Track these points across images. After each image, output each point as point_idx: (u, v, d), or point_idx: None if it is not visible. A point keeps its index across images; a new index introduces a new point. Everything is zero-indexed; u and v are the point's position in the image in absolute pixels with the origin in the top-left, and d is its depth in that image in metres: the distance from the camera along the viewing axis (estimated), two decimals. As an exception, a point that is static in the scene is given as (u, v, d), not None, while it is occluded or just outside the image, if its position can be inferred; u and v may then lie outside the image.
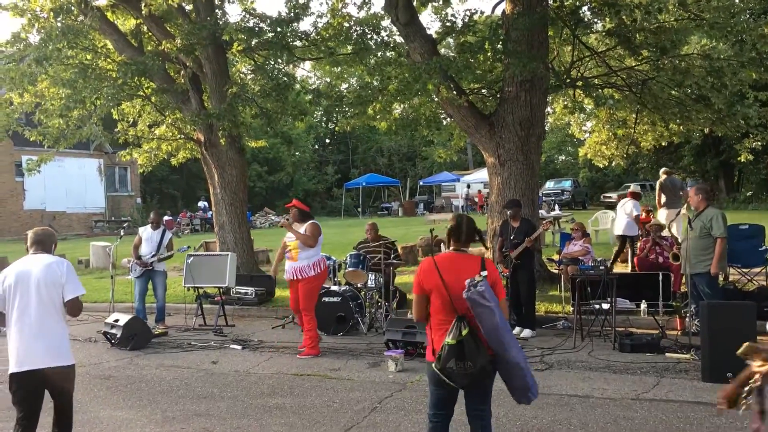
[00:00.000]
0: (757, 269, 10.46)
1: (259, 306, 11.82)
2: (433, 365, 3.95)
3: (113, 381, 7.47)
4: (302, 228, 8.40)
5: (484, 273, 3.91)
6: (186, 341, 9.43)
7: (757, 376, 2.54)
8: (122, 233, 12.78)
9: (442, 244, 3.99)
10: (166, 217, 14.46)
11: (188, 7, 13.63)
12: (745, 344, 2.58)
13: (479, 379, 3.90)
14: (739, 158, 13.87)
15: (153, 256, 10.27)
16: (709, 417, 5.55)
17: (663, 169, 13.42)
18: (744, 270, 10.31)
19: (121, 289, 12.51)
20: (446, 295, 3.95)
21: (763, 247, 10.83)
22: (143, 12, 12.72)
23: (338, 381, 7.15)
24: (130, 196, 37.81)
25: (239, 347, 8.94)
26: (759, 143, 12.48)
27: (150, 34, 14.15)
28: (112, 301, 11.09)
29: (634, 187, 12.10)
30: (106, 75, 13.77)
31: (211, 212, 16.01)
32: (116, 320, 9.26)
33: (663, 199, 12.81)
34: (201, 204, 35.37)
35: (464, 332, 3.85)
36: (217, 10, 13.19)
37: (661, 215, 12.53)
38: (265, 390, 6.89)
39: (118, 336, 9.06)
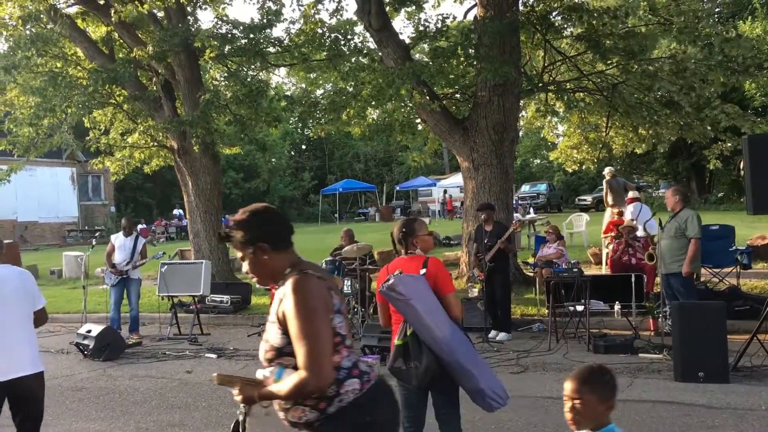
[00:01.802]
0: (728, 269, 10.61)
1: (235, 314, 11.74)
2: (386, 365, 4.02)
3: (86, 392, 7.36)
4: None
5: (397, 272, 3.95)
6: (160, 351, 9.33)
7: (241, 405, 2.61)
8: (95, 242, 12.63)
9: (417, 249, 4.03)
10: (140, 226, 14.34)
11: (160, 14, 13.55)
12: (215, 375, 2.61)
13: (426, 379, 3.83)
14: (708, 163, 14.08)
15: (127, 263, 10.14)
16: (681, 416, 5.61)
17: (608, 170, 13.91)
18: (715, 270, 10.46)
19: (94, 299, 12.34)
20: None
21: (733, 248, 11.00)
22: (114, 19, 12.63)
23: (314, 388, 7.10)
24: (104, 204, 37.37)
25: (214, 356, 8.87)
26: (729, 146, 12.66)
27: (121, 41, 14.05)
28: (84, 312, 10.94)
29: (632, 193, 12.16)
30: (77, 83, 13.64)
31: (186, 220, 15.89)
32: (89, 331, 9.14)
33: (610, 198, 13.39)
34: (176, 212, 35.05)
35: (409, 332, 3.87)
36: (188, 17, 13.14)
37: (608, 213, 13.02)
38: (240, 398, 6.82)
39: (91, 347, 8.94)
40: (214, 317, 11.57)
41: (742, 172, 7.19)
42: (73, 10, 13.50)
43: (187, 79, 13.05)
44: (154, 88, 13.60)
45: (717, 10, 24.23)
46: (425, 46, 12.90)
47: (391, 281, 3.85)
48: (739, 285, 10.07)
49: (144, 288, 11.26)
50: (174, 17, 12.93)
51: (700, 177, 33.46)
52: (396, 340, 3.94)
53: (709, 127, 11.81)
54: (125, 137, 15.33)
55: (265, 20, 12.76)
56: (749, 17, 26.89)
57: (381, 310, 4.22)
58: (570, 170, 16.30)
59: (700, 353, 6.58)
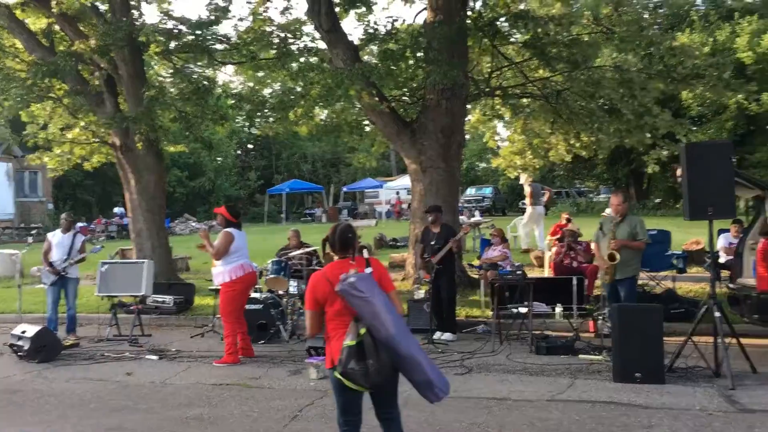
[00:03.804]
0: (664, 273, 10.96)
1: (178, 315, 11.52)
2: (336, 371, 3.95)
3: (20, 395, 7.11)
4: None
5: (353, 271, 4.02)
6: (99, 352, 9.08)
7: None
8: (31, 240, 12.23)
9: (364, 250, 4.01)
10: (79, 224, 13.95)
11: (103, 7, 13.20)
12: None
13: (381, 377, 3.87)
14: (647, 169, 14.50)
15: (65, 261, 9.84)
16: (619, 416, 5.76)
17: (527, 177, 16.21)
18: (652, 274, 10.78)
19: (29, 299, 11.94)
20: (339, 300, 4.01)
21: (669, 252, 11.37)
22: (54, 11, 12.25)
23: (258, 390, 7.05)
24: (41, 201, 36.19)
25: (155, 357, 8.69)
26: (665, 152, 13.07)
27: (62, 33, 13.63)
28: (20, 312, 10.57)
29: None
30: (15, 75, 13.18)
31: (127, 219, 15.52)
32: (24, 331, 8.82)
33: (529, 199, 16.15)
34: (117, 210, 34.16)
35: (362, 332, 3.89)
36: (133, 11, 12.84)
37: (528, 211, 16.08)
38: (182, 401, 6.72)
39: (26, 348, 8.63)
40: (156, 318, 11.33)
41: (679, 179, 7.43)
42: (11, 0, 13.04)
43: (130, 75, 12.74)
44: (96, 83, 13.25)
45: (658, 21, 25.00)
46: (374, 48, 12.93)
47: (351, 279, 3.90)
48: (675, 288, 10.41)
49: (82, 287, 10.95)
50: (118, 11, 12.61)
51: (638, 183, 34.47)
52: (348, 342, 3.90)
53: (648, 134, 12.17)
54: (65, 132, 14.87)
55: (212, 17, 12.57)
56: (687, 29, 27.85)
57: (314, 318, 4.17)
58: (512, 176, 16.57)
59: (638, 355, 6.77)
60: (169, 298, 11.55)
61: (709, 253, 8.94)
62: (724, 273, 10.57)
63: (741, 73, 22.28)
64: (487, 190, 38.00)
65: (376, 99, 11.21)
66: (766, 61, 26.31)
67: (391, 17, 15.64)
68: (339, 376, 3.93)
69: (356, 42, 12.12)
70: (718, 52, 22.11)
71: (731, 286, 9.40)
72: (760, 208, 9.49)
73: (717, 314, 6.81)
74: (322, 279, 4.13)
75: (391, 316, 3.90)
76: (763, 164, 26.98)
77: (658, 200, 33.54)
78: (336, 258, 4.29)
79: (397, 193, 38.70)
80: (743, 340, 7.19)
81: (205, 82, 12.89)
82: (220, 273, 8.27)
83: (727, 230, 11.77)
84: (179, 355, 8.77)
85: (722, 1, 31.98)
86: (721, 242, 11.58)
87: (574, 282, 9.28)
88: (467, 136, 16.88)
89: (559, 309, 9.71)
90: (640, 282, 9.59)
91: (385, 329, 3.86)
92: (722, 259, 11.18)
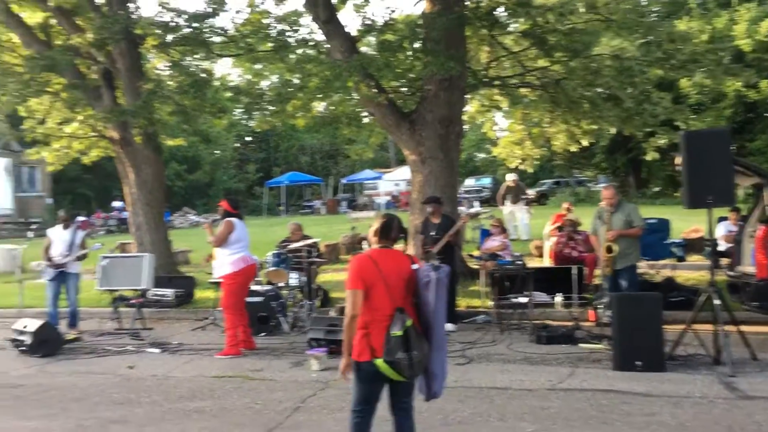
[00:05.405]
0: (664, 261, 10.97)
1: (179, 308, 11.55)
2: (383, 359, 3.98)
3: (22, 390, 7.13)
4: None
5: (428, 263, 4.29)
6: (101, 346, 9.10)
7: None
8: (31, 235, 12.22)
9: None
10: (79, 218, 13.92)
11: (100, 1, 13.15)
12: None
13: (421, 368, 4.07)
14: (645, 155, 14.49)
15: (66, 256, 9.84)
16: (620, 404, 5.79)
17: (513, 176, 17.38)
18: (652, 262, 10.80)
19: (30, 293, 11.93)
20: (385, 288, 4.06)
21: (669, 241, 11.38)
22: (51, 4, 12.21)
23: (260, 381, 7.07)
24: (40, 196, 36.13)
25: (157, 350, 8.71)
26: (664, 141, 13.06)
27: (59, 27, 13.58)
28: (20, 307, 10.58)
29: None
30: (12, 70, 13.14)
31: (126, 213, 15.51)
32: (25, 326, 8.84)
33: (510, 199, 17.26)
34: (116, 204, 34.12)
35: (408, 323, 4.00)
36: (129, 4, 12.79)
37: (509, 206, 17.11)
38: (184, 393, 6.74)
39: (28, 342, 8.65)
40: (157, 311, 11.35)
41: (678, 168, 7.44)
42: (7, -6, 12.99)
43: (128, 68, 12.71)
44: (94, 77, 13.22)
45: (656, 9, 24.94)
46: (372, 39, 12.89)
47: (447, 268, 4.20)
48: (674, 277, 10.43)
49: (83, 282, 10.95)
50: (115, 4, 12.58)
51: (637, 171, 34.42)
52: (395, 332, 3.97)
53: (650, 119, 12.15)
54: (63, 127, 14.84)
55: (209, 9, 12.53)
56: (685, 17, 27.75)
57: (358, 297, 4.09)
58: (512, 166, 16.59)
59: (638, 343, 6.79)
60: (169, 292, 11.57)
61: (708, 241, 8.97)
62: (724, 261, 10.59)
63: (740, 61, 22.18)
64: (486, 181, 37.94)
65: (375, 90, 11.19)
66: (764, 49, 26.23)
67: (389, 8, 15.58)
68: (383, 365, 3.98)
69: (354, 33, 12.07)
70: (717, 40, 22.03)
71: (731, 273, 9.42)
72: (758, 195, 9.49)
73: (717, 302, 6.83)
74: (369, 261, 4.15)
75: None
76: (762, 151, 26.96)
77: (657, 189, 33.49)
78: (374, 246, 4.34)
79: (397, 184, 38.58)
80: (743, 328, 7.21)
81: (203, 75, 12.86)
82: (222, 265, 8.28)
83: (726, 218, 11.79)
84: (181, 348, 8.80)
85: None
86: (720, 230, 11.58)
87: (574, 271, 9.30)
88: (465, 127, 16.86)
89: (559, 298, 9.74)
90: (639, 271, 9.62)
91: (436, 322, 4.14)
92: (722, 247, 11.19)
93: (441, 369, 4.21)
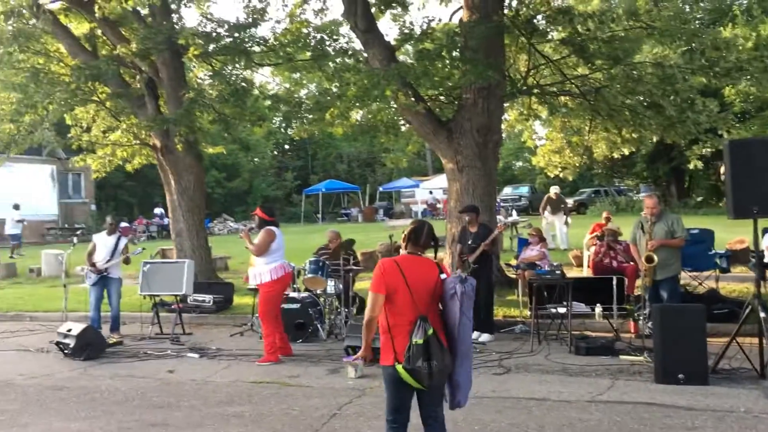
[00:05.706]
0: (707, 273, 10.73)
1: (218, 314, 11.69)
2: (402, 365, 3.98)
3: (66, 392, 7.29)
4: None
5: (458, 271, 4.19)
6: (142, 350, 9.26)
7: None
8: (75, 240, 12.51)
9: (401, 250, 4.05)
10: (122, 224, 14.23)
11: (144, 12, 13.46)
12: None
13: (441, 378, 4.03)
14: (688, 164, 14.21)
15: (108, 261, 10.05)
16: (662, 418, 5.68)
17: (556, 189, 18.15)
18: (694, 273, 10.58)
19: (74, 297, 12.20)
20: (409, 295, 4.05)
21: (713, 251, 11.13)
22: (97, 15, 12.52)
23: (297, 388, 7.11)
24: (84, 203, 36.97)
25: (196, 355, 8.83)
26: (708, 149, 12.80)
27: (104, 38, 13.93)
28: (65, 310, 10.83)
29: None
30: (59, 79, 13.52)
31: (167, 219, 15.78)
32: (69, 330, 9.05)
33: (549, 209, 17.66)
34: (157, 211, 34.74)
35: (429, 332, 3.97)
36: (173, 15, 13.05)
37: (548, 217, 17.53)
38: (222, 398, 6.82)
39: (72, 346, 8.86)
40: (196, 317, 11.51)
41: (722, 177, 7.30)
42: (56, 5, 13.35)
43: (170, 77, 12.96)
44: (138, 86, 13.50)
45: (699, 16, 24.50)
46: (410, 47, 12.92)
47: (473, 281, 4.19)
48: (718, 288, 10.20)
49: (125, 287, 11.15)
50: (158, 15, 12.85)
51: (679, 181, 33.83)
52: (417, 339, 3.96)
53: (692, 127, 11.92)
54: (107, 135, 15.20)
55: (250, 19, 12.72)
56: (729, 24, 27.22)
57: (380, 302, 4.10)
58: (552, 175, 16.40)
59: (680, 355, 6.66)
60: (208, 297, 11.72)
61: (753, 252, 8.75)
62: (770, 272, 10.30)
63: (786, 68, 21.66)
64: (524, 189, 37.64)
65: (412, 99, 11.20)
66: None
67: (427, 17, 15.60)
68: (403, 370, 3.97)
69: (392, 42, 12.12)
70: (762, 47, 21.53)
71: (777, 285, 9.17)
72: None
73: (762, 314, 6.67)
74: (395, 266, 4.13)
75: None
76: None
77: (699, 198, 32.82)
78: (404, 251, 4.32)
79: (431, 192, 38.49)
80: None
81: (243, 84, 13.05)
82: (261, 273, 8.35)
83: (772, 229, 11.48)
84: (219, 354, 8.90)
85: (766, -6, 31.16)
86: (766, 241, 11.28)
87: (614, 282, 9.15)
88: (504, 135, 16.76)
89: (598, 309, 9.59)
90: (682, 282, 9.43)
91: (467, 325, 4.15)
92: (767, 259, 10.90)
93: (466, 379, 4.19)
